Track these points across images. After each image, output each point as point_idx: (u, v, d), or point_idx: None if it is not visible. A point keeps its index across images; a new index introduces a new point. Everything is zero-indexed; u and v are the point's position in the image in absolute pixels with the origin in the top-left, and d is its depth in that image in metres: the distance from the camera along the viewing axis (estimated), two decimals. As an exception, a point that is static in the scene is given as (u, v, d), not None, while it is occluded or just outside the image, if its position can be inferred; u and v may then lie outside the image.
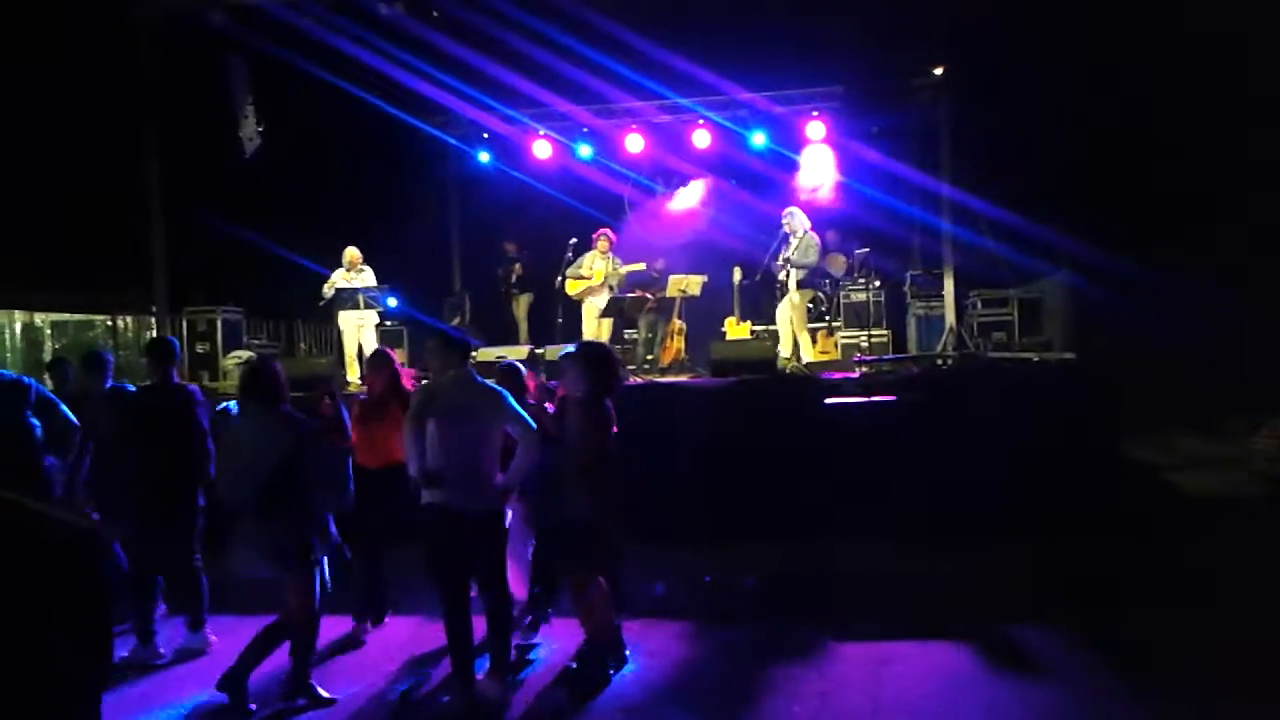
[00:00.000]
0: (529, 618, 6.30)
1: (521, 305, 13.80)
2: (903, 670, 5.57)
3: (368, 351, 11.32)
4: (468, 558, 5.18)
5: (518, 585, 5.98)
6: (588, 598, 5.42)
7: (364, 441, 6.27)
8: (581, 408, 5.43)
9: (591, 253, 11.99)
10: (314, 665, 5.48)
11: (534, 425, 5.26)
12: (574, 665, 5.67)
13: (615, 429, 5.51)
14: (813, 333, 11.79)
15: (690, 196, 15.02)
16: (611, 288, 11.89)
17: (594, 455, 5.33)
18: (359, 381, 11.04)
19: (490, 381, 5.45)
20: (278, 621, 5.26)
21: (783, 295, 11.46)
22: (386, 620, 6.68)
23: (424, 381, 5.77)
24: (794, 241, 11.12)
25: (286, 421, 5.20)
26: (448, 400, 5.22)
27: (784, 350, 11.22)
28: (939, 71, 11.85)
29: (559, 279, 12.02)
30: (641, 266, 12.08)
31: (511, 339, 13.51)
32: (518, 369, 6.27)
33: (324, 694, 5.33)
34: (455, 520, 5.10)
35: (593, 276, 11.86)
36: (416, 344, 12.22)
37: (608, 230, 12.11)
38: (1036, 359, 10.31)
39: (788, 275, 11.14)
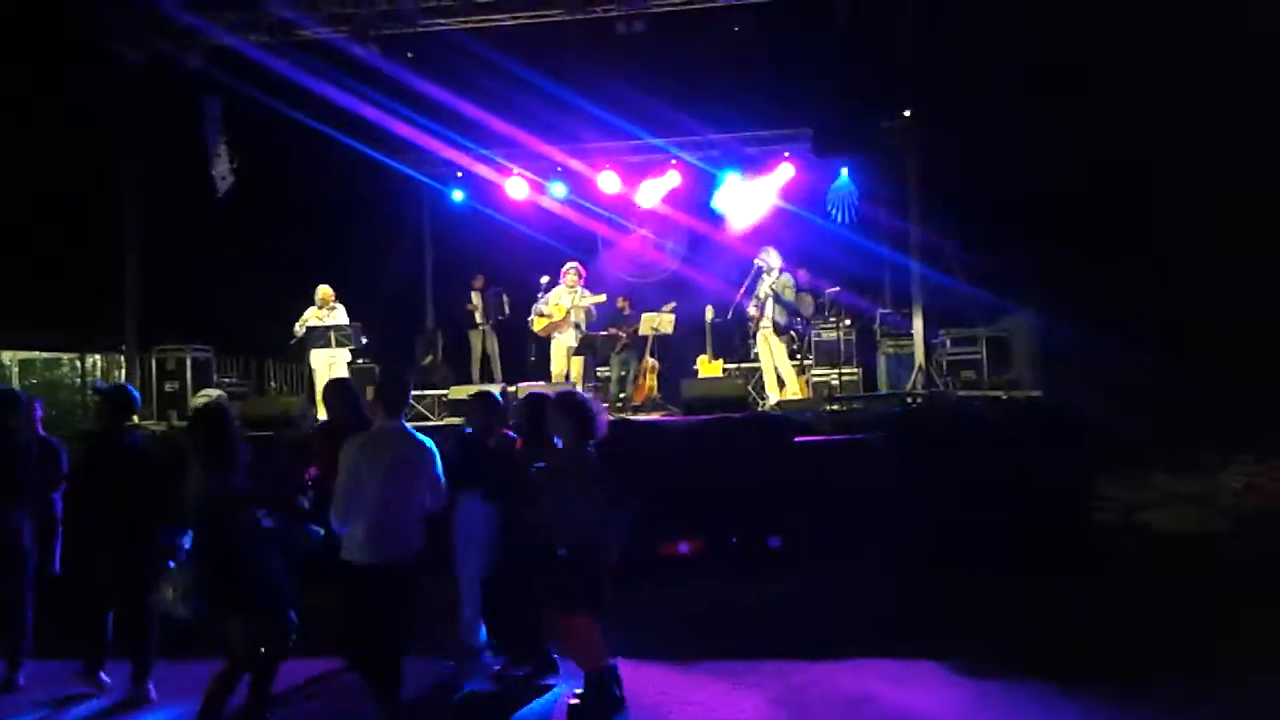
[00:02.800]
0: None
1: (485, 342, 13.82)
2: (875, 709, 5.57)
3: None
4: (388, 609, 5.13)
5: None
6: (578, 635, 5.42)
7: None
8: (570, 457, 5.46)
9: (559, 288, 12.02)
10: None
11: (444, 492, 5.34)
12: (577, 700, 5.55)
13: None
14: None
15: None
16: (577, 325, 11.92)
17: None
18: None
19: (421, 436, 5.39)
20: (226, 666, 5.12)
21: (755, 332, 11.52)
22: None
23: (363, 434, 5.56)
24: (767, 279, 11.19)
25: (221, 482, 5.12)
26: (384, 452, 5.17)
27: (772, 393, 11.24)
28: (907, 113, 12.02)
29: (529, 317, 12.06)
30: (602, 298, 12.16)
31: (485, 377, 13.52)
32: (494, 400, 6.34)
33: None
34: (383, 574, 5.06)
35: (555, 312, 11.88)
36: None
37: (576, 264, 12.14)
38: (1005, 397, 10.39)
39: (761, 312, 11.19)
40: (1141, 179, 12.84)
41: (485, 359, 13.89)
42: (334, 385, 6.93)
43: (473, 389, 11.47)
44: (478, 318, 13.87)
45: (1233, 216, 12.42)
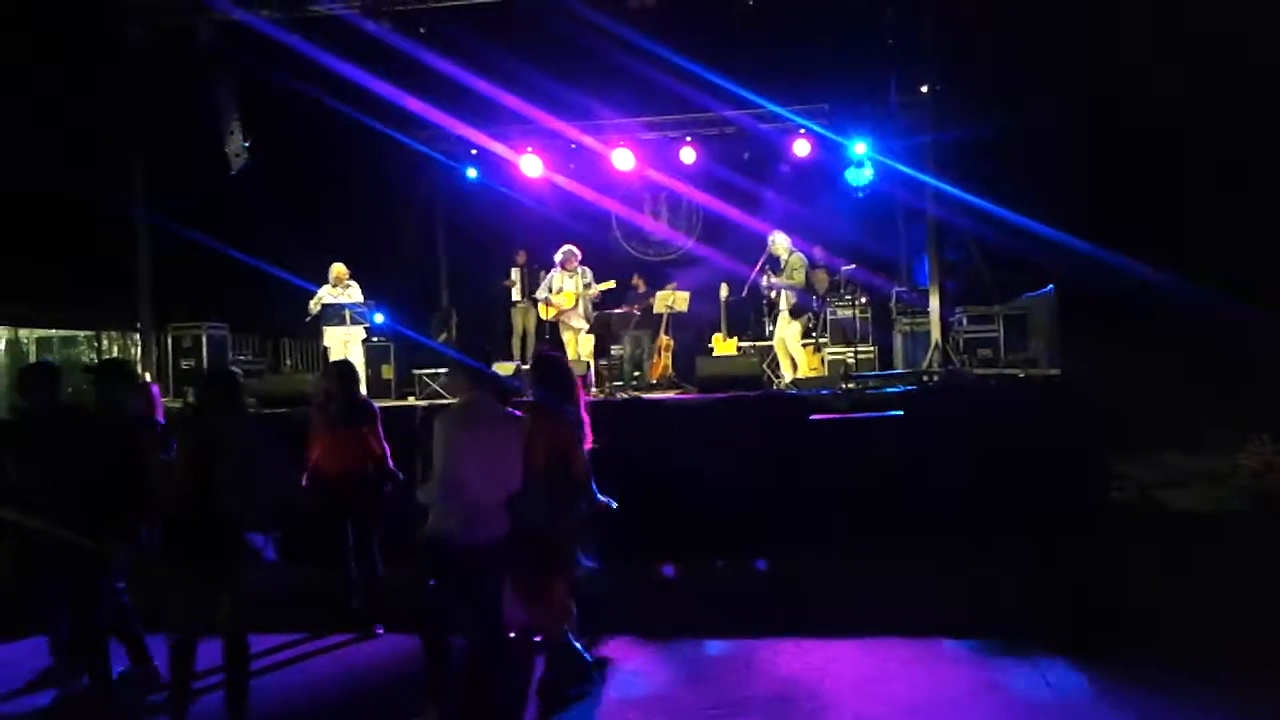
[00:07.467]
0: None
1: (525, 319, 13.79)
2: (889, 687, 5.56)
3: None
4: (469, 589, 4.90)
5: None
6: (548, 605, 5.30)
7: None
8: (539, 415, 5.33)
9: (559, 272, 11.72)
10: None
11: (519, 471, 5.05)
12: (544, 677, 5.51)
13: (587, 440, 5.44)
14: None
15: None
16: (586, 306, 11.76)
17: (554, 463, 5.21)
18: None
19: (509, 410, 5.17)
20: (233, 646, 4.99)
21: (772, 315, 11.45)
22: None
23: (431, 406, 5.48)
24: (782, 265, 11.12)
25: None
26: (472, 426, 4.95)
27: (786, 373, 11.20)
28: (925, 89, 11.89)
29: (534, 299, 11.95)
30: (612, 284, 11.96)
31: (502, 354, 13.48)
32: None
33: None
34: (464, 553, 4.80)
35: (563, 300, 11.69)
36: (402, 359, 12.18)
37: (572, 247, 11.81)
38: (1022, 375, 10.31)
39: (778, 296, 11.15)
40: (1166, 153, 12.69)
41: (523, 336, 13.82)
42: (334, 367, 7.19)
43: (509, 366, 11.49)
44: (515, 294, 13.79)
45: (1261, 192, 12.27)
